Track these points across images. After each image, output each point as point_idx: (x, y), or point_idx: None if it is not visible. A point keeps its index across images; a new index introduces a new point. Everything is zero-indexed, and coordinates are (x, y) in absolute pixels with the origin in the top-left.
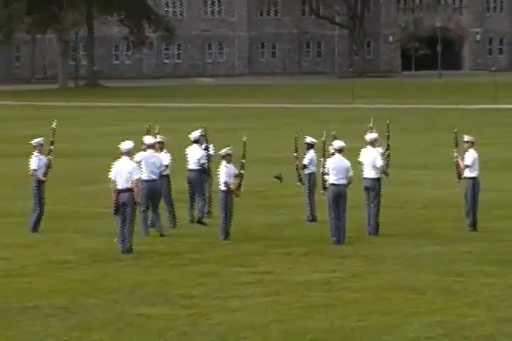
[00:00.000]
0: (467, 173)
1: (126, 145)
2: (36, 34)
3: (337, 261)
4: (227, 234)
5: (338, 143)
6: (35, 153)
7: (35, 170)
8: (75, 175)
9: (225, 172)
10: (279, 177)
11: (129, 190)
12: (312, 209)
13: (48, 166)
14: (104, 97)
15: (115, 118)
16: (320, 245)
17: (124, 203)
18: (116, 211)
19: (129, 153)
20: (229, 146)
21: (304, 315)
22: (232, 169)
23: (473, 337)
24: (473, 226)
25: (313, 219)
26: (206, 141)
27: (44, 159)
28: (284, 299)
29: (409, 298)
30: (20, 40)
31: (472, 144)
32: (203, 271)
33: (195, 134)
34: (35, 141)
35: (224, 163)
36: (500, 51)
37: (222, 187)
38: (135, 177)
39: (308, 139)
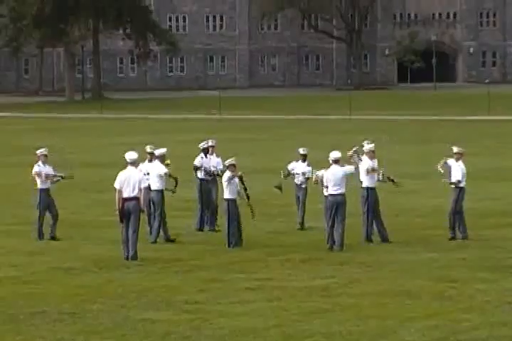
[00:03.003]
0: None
1: (132, 155)
2: (44, 48)
3: (335, 267)
4: (229, 242)
5: (334, 155)
6: (39, 162)
7: (37, 173)
8: (87, 185)
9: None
10: (279, 187)
11: (135, 198)
12: (301, 217)
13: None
14: (111, 109)
15: (123, 130)
16: (319, 252)
17: (130, 211)
18: (123, 219)
19: (135, 163)
20: (232, 157)
21: (304, 320)
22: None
23: None
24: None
25: (302, 227)
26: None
27: (49, 168)
28: (284, 304)
29: (405, 303)
30: (29, 54)
31: (461, 155)
32: (205, 277)
33: (203, 144)
34: (39, 151)
35: (228, 172)
36: (493, 64)
37: (226, 196)
38: (143, 185)
39: (302, 150)
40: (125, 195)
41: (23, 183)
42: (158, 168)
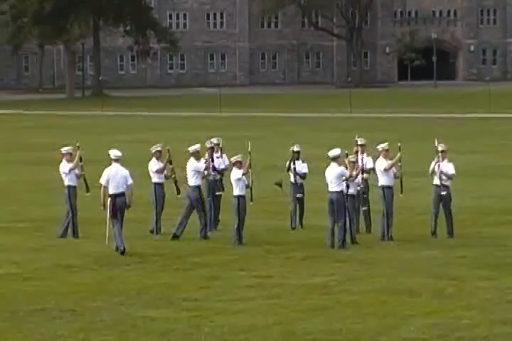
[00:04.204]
0: (442, 182)
1: (116, 152)
2: (45, 45)
3: (335, 265)
4: (238, 237)
5: (333, 152)
6: (64, 160)
7: (65, 173)
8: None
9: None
10: (279, 184)
11: (123, 194)
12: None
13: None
14: (111, 106)
15: (123, 127)
16: (319, 250)
17: (121, 206)
18: (115, 214)
19: (119, 160)
20: (238, 154)
21: (304, 318)
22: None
23: (467, 339)
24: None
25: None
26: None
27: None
28: (284, 302)
29: (405, 301)
30: (29, 51)
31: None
32: (206, 274)
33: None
34: (64, 149)
35: (235, 169)
36: (494, 62)
37: (236, 193)
38: (129, 182)
39: (295, 147)
40: (113, 191)
41: (22, 180)
42: (193, 165)
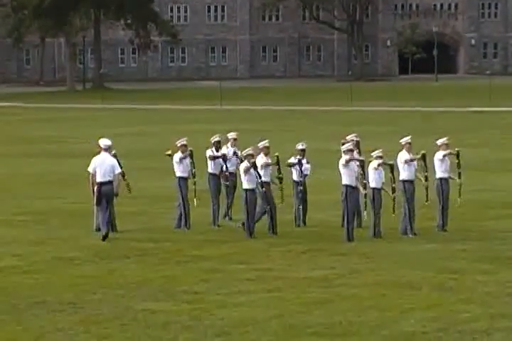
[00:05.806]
0: (445, 174)
1: (106, 141)
2: (46, 38)
3: (336, 258)
4: (250, 232)
5: (345, 147)
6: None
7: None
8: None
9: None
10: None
11: (110, 182)
12: (303, 214)
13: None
14: (111, 99)
15: (123, 120)
16: (319, 243)
17: (108, 194)
18: (99, 202)
19: (108, 149)
20: (249, 147)
21: (304, 311)
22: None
23: (467, 332)
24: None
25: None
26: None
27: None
28: (284, 295)
29: (406, 294)
30: (30, 44)
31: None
32: (206, 267)
33: (213, 138)
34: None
35: (245, 163)
36: (495, 55)
37: (245, 186)
38: (117, 171)
39: (300, 145)
40: (100, 179)
41: (23, 173)
42: (263, 161)
